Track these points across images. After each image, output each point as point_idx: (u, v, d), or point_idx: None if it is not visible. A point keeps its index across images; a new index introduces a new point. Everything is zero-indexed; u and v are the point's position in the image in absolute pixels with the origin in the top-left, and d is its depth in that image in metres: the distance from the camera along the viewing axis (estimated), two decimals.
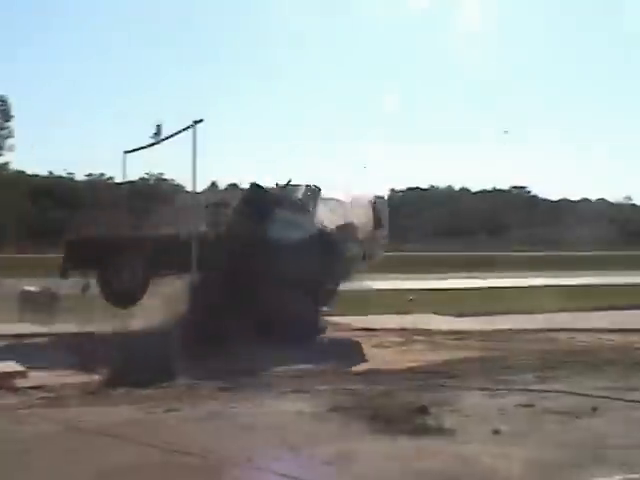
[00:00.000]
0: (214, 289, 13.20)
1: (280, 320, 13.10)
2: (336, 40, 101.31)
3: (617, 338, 15.04)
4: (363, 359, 12.50)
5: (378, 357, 12.69)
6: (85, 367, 11.10)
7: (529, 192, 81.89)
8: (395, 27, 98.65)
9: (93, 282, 14.43)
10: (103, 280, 14.41)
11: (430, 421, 8.13)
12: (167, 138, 15.65)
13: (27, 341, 14.04)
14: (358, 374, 11.10)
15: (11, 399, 9.25)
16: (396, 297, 21.30)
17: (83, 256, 14.50)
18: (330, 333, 15.11)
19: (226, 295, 13.08)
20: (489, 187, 78.93)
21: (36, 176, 61.56)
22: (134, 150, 17.00)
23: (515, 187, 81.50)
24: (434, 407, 8.69)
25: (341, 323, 16.51)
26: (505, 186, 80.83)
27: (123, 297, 14.30)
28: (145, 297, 14.24)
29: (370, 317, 17.44)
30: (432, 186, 79.31)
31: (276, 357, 11.48)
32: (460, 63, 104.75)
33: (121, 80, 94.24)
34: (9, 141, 59.67)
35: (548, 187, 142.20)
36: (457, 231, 59.73)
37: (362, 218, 15.20)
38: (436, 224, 59.84)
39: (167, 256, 13.62)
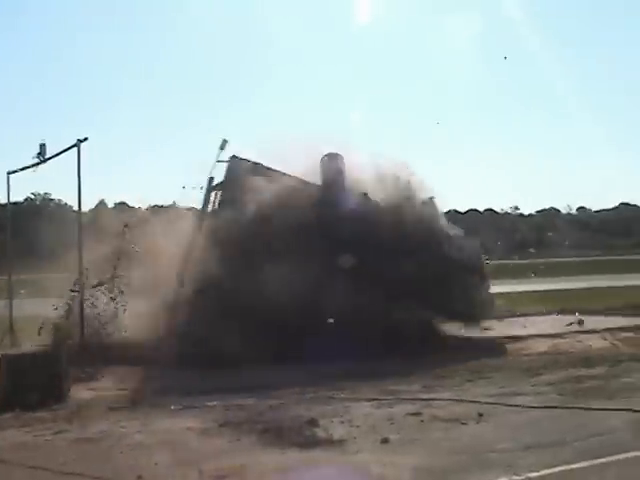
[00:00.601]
0: None
1: None
2: None
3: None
4: None
5: None
6: None
7: None
8: None
9: None
10: None
11: (320, 433, 8.51)
12: (51, 158, 15.85)
13: None
14: (246, 388, 11.34)
15: None
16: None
17: None
18: None
19: None
20: None
21: None
22: (17, 170, 17.02)
23: None
24: (324, 419, 9.10)
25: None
26: None
27: None
28: None
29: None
30: None
31: None
32: None
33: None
34: None
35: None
36: None
37: None
38: None
39: None
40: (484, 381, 11.90)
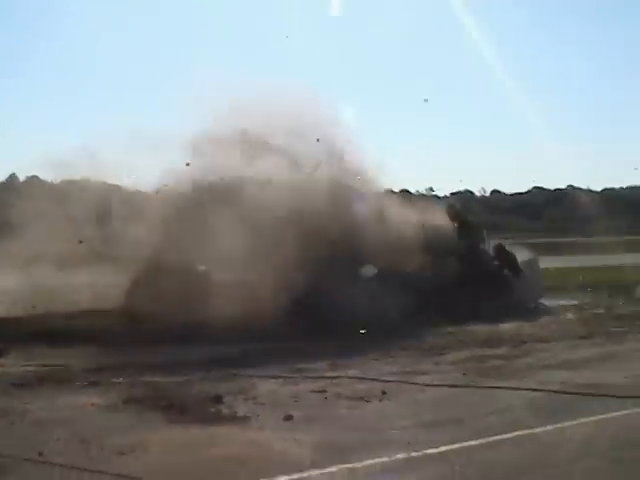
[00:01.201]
0: None
1: None
2: None
3: None
4: None
5: None
6: None
7: None
8: None
9: None
10: None
11: (224, 409, 8.76)
12: None
13: None
14: (152, 365, 11.48)
15: None
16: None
17: None
18: None
19: None
20: None
21: None
22: None
23: None
24: (228, 396, 9.34)
25: None
26: None
27: None
28: None
29: None
30: None
31: None
32: None
33: None
34: None
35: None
36: None
37: None
38: None
39: None
40: (389, 359, 12.33)
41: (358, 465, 6.76)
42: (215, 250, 15.60)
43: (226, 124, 19.10)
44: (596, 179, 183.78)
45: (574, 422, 8.12)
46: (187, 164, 18.43)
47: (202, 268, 16.21)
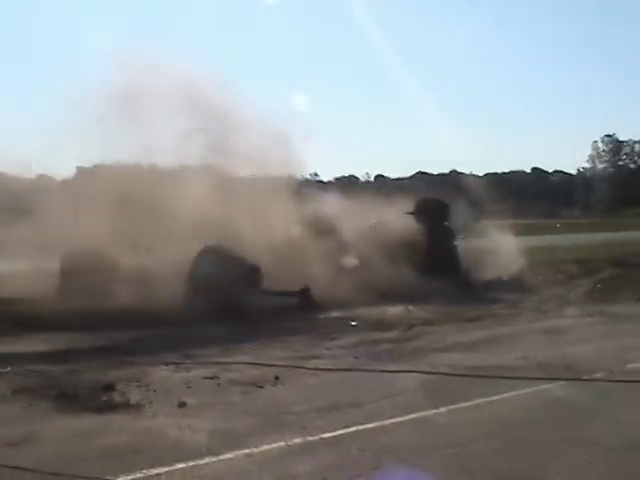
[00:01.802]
0: None
1: None
2: None
3: None
4: None
5: None
6: None
7: None
8: None
9: None
10: None
11: (116, 397, 8.70)
12: None
13: None
14: (41, 354, 11.31)
15: None
16: None
17: None
18: None
19: None
20: None
21: None
22: None
23: None
24: (120, 383, 9.29)
25: None
26: None
27: None
28: None
29: None
30: None
31: None
32: None
33: None
34: None
35: None
36: None
37: None
38: None
39: None
40: (281, 344, 12.44)
41: (255, 450, 6.87)
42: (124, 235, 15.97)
43: None
44: (479, 164, 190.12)
45: (468, 404, 8.48)
46: None
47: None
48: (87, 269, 16.04)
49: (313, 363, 10.83)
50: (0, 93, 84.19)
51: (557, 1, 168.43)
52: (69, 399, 8.58)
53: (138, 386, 9.29)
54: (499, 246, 22.56)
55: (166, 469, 6.38)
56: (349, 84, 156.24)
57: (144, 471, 6.32)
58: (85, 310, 13.88)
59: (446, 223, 22.43)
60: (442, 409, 8.25)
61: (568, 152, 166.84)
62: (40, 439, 7.18)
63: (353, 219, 21.59)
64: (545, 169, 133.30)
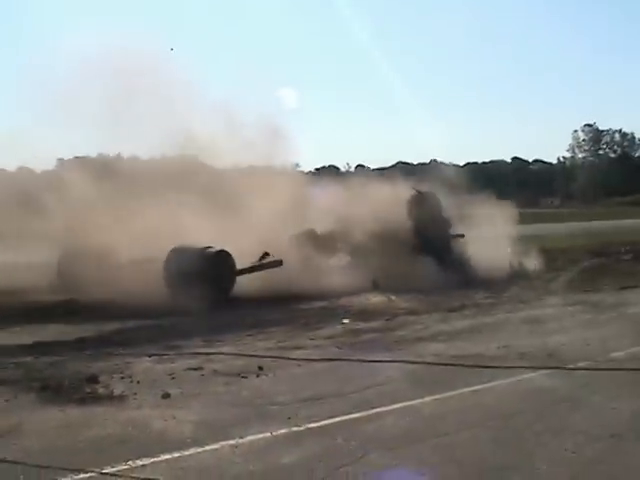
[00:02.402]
0: None
1: None
2: None
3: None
4: None
5: None
6: None
7: None
8: None
9: None
10: None
11: (100, 389, 8.69)
12: None
13: None
14: (25, 346, 11.32)
15: None
16: None
17: None
18: None
19: None
20: None
21: None
22: None
23: None
24: (104, 375, 9.28)
25: None
26: None
27: None
28: None
29: None
30: None
31: None
32: None
33: None
34: None
35: None
36: None
37: None
38: None
39: None
40: (264, 335, 12.45)
41: (240, 441, 6.89)
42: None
43: None
44: (459, 154, 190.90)
45: (452, 393, 8.52)
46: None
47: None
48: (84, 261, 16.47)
49: (297, 353, 10.86)
50: None
51: None
52: (53, 391, 8.56)
53: (122, 378, 9.28)
54: (483, 236, 22.67)
55: (151, 460, 6.38)
56: (329, 75, 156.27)
57: (129, 462, 6.31)
58: (71, 302, 14.02)
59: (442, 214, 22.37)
60: (427, 398, 8.30)
61: (548, 141, 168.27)
62: (24, 431, 7.17)
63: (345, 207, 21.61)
64: (525, 158, 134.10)
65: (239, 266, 17.38)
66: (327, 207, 21.54)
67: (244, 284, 17.40)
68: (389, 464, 6.34)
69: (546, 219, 50.43)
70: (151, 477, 6.01)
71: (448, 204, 22.53)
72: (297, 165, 28.27)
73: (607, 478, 6.10)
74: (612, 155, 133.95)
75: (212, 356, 10.63)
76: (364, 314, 14.70)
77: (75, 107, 19.17)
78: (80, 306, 14.37)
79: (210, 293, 15.60)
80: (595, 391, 8.67)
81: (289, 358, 10.53)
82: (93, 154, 21.92)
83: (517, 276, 20.94)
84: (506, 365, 9.82)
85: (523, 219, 26.85)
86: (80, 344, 11.52)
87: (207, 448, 6.72)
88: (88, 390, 8.63)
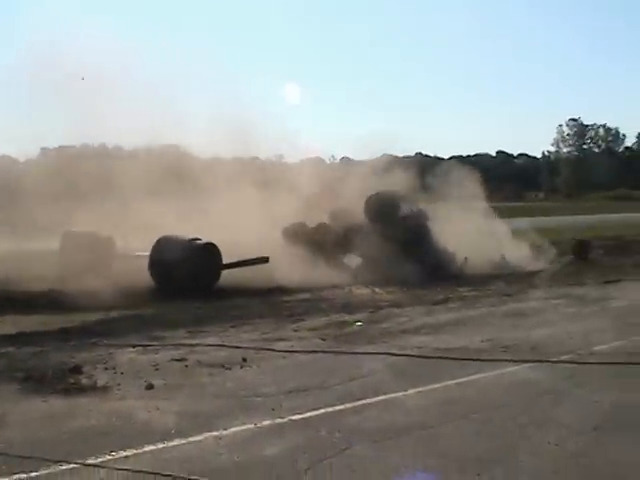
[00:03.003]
0: None
1: None
2: None
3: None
4: None
5: None
6: None
7: None
8: None
9: None
10: None
11: (84, 379, 8.68)
12: None
13: None
14: (7, 336, 11.29)
15: None
16: None
17: None
18: None
19: None
20: None
21: None
22: None
23: None
24: (87, 365, 9.27)
25: None
26: None
27: None
28: None
29: None
30: None
31: None
32: None
33: None
34: None
35: None
36: None
37: None
38: None
39: None
40: (247, 326, 12.45)
41: (224, 433, 6.89)
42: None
43: None
44: (444, 147, 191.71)
45: (436, 385, 8.56)
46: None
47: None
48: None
49: (280, 345, 10.86)
50: None
51: None
52: (36, 382, 8.53)
53: (105, 368, 9.27)
54: (468, 229, 22.71)
55: (135, 451, 6.38)
56: (327, 70, 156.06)
57: (113, 453, 6.31)
58: (54, 292, 14.04)
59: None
60: (411, 391, 8.33)
61: (533, 136, 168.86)
62: (7, 422, 7.15)
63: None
64: (510, 152, 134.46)
65: (226, 259, 17.38)
66: (315, 199, 21.55)
67: (228, 275, 17.41)
68: (373, 456, 6.35)
69: (531, 213, 50.53)
70: (135, 468, 5.99)
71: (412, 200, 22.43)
72: (281, 156, 28.27)
73: (589, 471, 6.14)
74: (596, 150, 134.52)
75: (196, 347, 10.62)
76: (348, 306, 14.72)
77: (59, 97, 19.14)
78: (63, 296, 14.33)
79: (194, 285, 15.64)
80: (578, 384, 8.73)
81: (273, 350, 10.52)
82: (77, 144, 21.85)
83: (501, 269, 21.03)
84: (490, 358, 9.88)
85: (508, 213, 26.96)
86: (64, 334, 11.49)
87: (191, 439, 6.72)
88: (72, 381, 8.62)
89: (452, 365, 9.60)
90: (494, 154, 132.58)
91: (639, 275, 19.81)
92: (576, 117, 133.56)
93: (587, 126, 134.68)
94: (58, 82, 18.93)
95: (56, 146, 22.90)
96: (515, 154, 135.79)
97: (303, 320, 13.17)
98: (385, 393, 8.24)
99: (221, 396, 8.19)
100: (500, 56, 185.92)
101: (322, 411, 7.61)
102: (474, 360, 9.76)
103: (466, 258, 20.92)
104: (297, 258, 18.34)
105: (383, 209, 21.32)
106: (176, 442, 6.64)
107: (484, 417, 7.45)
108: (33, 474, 5.88)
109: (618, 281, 18.56)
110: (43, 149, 23.03)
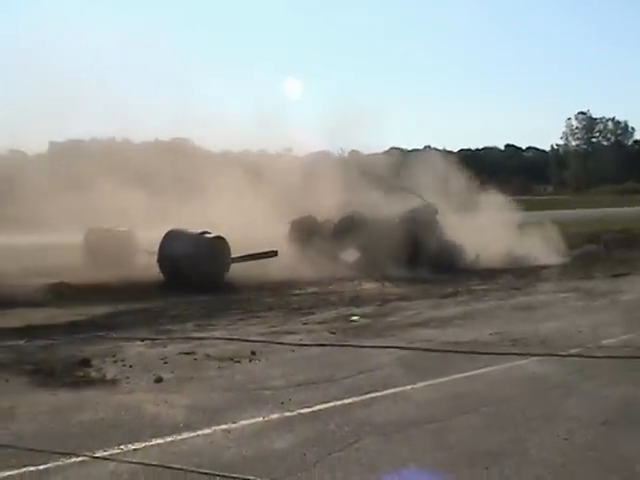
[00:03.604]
0: None
1: None
2: None
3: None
4: None
5: None
6: None
7: None
8: None
9: None
10: None
11: (92, 373, 8.70)
12: None
13: None
14: (16, 329, 11.31)
15: None
16: None
17: None
18: None
19: None
20: None
21: None
22: None
23: None
24: (96, 359, 9.28)
25: None
26: None
27: None
28: None
29: None
30: None
31: None
32: None
33: None
34: None
35: None
36: None
37: None
38: None
39: None
40: (256, 320, 12.46)
41: (233, 426, 6.88)
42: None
43: None
44: (453, 140, 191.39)
45: (445, 379, 8.54)
46: None
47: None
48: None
49: (289, 338, 10.85)
50: None
51: None
52: (45, 375, 8.54)
53: (114, 362, 9.28)
54: (476, 223, 22.66)
55: (143, 444, 6.37)
56: (318, 58, 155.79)
57: (121, 446, 6.31)
58: (62, 285, 14.12)
59: None
60: (419, 384, 8.31)
61: (542, 129, 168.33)
62: (16, 415, 7.16)
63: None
64: (519, 146, 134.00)
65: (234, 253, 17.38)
66: (326, 193, 21.52)
67: (237, 268, 17.43)
68: (381, 449, 6.34)
69: (540, 206, 50.44)
70: (143, 461, 5.99)
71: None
72: (289, 149, 28.25)
73: (598, 464, 6.11)
74: (605, 143, 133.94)
75: (205, 341, 10.63)
76: (357, 300, 14.71)
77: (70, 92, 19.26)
78: (72, 289, 14.37)
79: (203, 278, 15.65)
80: (587, 378, 8.70)
81: (282, 343, 10.52)
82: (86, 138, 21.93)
83: (510, 263, 20.98)
84: (499, 351, 9.86)
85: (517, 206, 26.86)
86: (72, 328, 11.52)
87: (200, 433, 6.71)
88: (80, 374, 8.63)
89: (461, 359, 9.58)
90: (503, 147, 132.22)
91: None
92: (585, 110, 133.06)
93: (596, 119, 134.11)
94: (64, 78, 18.99)
95: (64, 140, 22.96)
96: (524, 147, 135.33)
97: (312, 313, 13.18)
98: (394, 386, 8.23)
99: (230, 389, 8.18)
100: (509, 49, 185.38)
101: (331, 404, 7.60)
102: (483, 354, 9.74)
103: (478, 255, 20.87)
104: (304, 252, 18.35)
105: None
106: (185, 435, 6.64)
107: (493, 410, 7.43)
108: (42, 467, 5.88)
109: (627, 274, 18.50)
110: (52, 143, 23.10)
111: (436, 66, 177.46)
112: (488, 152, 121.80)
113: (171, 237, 16.92)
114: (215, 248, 16.88)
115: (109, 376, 8.58)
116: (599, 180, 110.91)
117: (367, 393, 7.98)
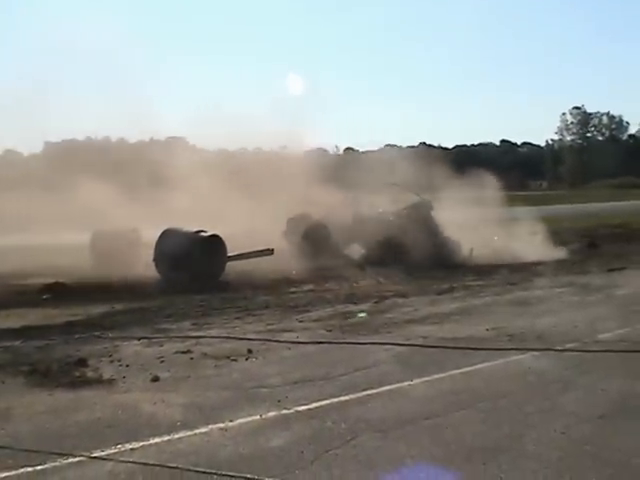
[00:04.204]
0: None
1: None
2: None
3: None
4: None
5: None
6: None
7: None
8: None
9: None
10: None
11: (89, 372, 8.68)
12: None
13: None
14: (12, 330, 11.30)
15: None
16: None
17: None
18: None
19: None
20: None
21: None
22: None
23: None
24: (93, 358, 9.27)
25: None
26: None
27: None
28: None
29: None
30: None
31: None
32: None
33: None
34: None
35: None
36: None
37: None
38: None
39: None
40: (252, 318, 12.43)
41: (230, 424, 6.89)
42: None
43: None
44: (448, 137, 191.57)
45: (442, 375, 8.55)
46: None
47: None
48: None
49: (285, 336, 10.83)
50: None
51: None
52: (41, 375, 8.54)
53: (111, 361, 9.28)
54: (470, 220, 22.67)
55: (141, 444, 6.39)
56: (317, 55, 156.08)
57: (119, 446, 6.32)
58: (58, 285, 14.11)
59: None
60: (416, 381, 8.32)
61: (537, 124, 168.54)
62: (13, 415, 7.16)
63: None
64: (514, 141, 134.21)
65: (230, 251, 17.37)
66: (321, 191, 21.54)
67: (233, 266, 17.44)
68: (378, 446, 6.34)
69: (535, 202, 50.55)
70: (141, 461, 5.99)
71: None
72: (284, 147, 28.23)
73: (595, 459, 6.12)
74: (600, 138, 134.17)
75: (201, 339, 10.62)
76: (353, 297, 14.70)
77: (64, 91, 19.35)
78: (68, 289, 14.35)
79: (199, 277, 15.64)
80: (584, 372, 8.72)
81: (278, 341, 10.51)
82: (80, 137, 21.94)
83: (506, 258, 20.97)
84: (495, 347, 9.87)
85: (512, 202, 26.91)
86: (69, 328, 11.50)
87: (197, 431, 6.72)
88: (77, 374, 8.63)
89: (457, 354, 9.59)
90: (498, 143, 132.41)
91: None
92: (579, 105, 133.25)
93: (591, 114, 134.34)
94: (60, 78, 19.08)
95: (59, 140, 22.95)
96: (519, 143, 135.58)
97: (308, 311, 13.15)
98: (390, 383, 8.23)
99: (227, 388, 8.17)
100: (504, 45, 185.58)
101: (328, 402, 7.60)
102: (479, 349, 9.76)
103: (472, 249, 20.86)
104: (300, 249, 18.36)
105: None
106: (182, 434, 6.65)
107: (490, 406, 7.44)
108: (39, 467, 5.89)
109: (623, 269, 18.52)
110: (47, 143, 23.09)
111: (430, 63, 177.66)
112: (483, 148, 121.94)
113: (167, 236, 16.90)
114: (211, 246, 16.87)
115: (106, 376, 8.57)
116: (595, 175, 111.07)
117: (364, 390, 7.98)
